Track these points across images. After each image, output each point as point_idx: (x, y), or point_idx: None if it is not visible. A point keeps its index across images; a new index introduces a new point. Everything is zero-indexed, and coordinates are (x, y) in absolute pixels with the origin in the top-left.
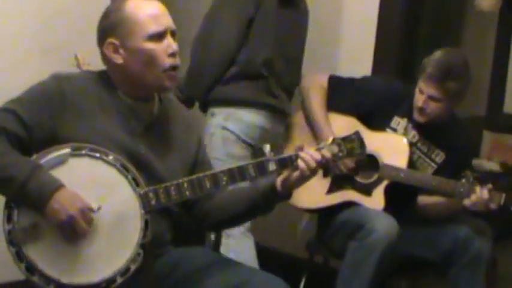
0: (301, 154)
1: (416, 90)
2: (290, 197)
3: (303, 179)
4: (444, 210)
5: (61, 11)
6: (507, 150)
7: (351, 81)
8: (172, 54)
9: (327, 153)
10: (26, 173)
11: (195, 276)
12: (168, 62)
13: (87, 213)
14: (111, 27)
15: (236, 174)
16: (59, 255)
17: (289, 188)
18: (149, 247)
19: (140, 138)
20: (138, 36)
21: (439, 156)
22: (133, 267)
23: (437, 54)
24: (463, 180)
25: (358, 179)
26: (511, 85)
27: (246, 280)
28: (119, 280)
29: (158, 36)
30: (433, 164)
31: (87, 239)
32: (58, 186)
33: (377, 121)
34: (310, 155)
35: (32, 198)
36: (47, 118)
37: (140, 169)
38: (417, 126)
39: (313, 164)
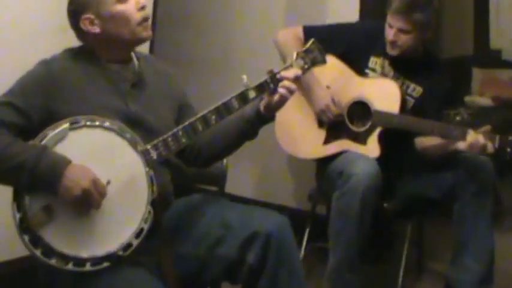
0: (279, 85)
1: (386, 25)
2: (274, 119)
3: (284, 101)
4: (443, 151)
5: None
6: (497, 84)
7: (326, 27)
8: (141, 8)
9: (297, 73)
10: (33, 158)
11: (197, 221)
12: (139, 15)
13: (99, 184)
14: (82, 5)
15: (223, 110)
16: (74, 231)
17: (273, 110)
18: (157, 202)
19: (129, 97)
20: (108, 4)
21: (416, 91)
22: (146, 227)
23: None
24: (457, 118)
25: (353, 127)
26: (495, 21)
27: (247, 218)
28: (135, 243)
29: None
30: (410, 99)
31: (99, 208)
32: (66, 163)
33: (355, 63)
34: (285, 78)
35: (44, 181)
36: (40, 100)
37: (135, 126)
38: (393, 63)
39: (292, 86)
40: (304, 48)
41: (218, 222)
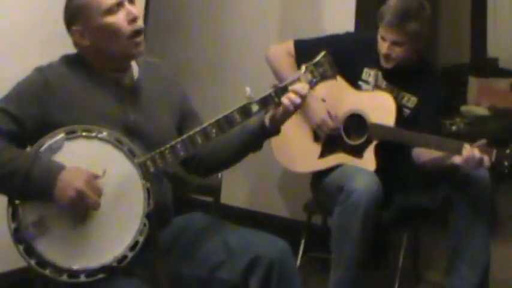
0: (284, 96)
1: (379, 38)
2: (279, 132)
3: (288, 114)
4: (440, 164)
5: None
6: (494, 94)
7: (316, 39)
8: (132, 20)
9: (304, 87)
10: (26, 165)
11: (198, 243)
12: (129, 28)
13: (94, 183)
14: (71, 15)
15: (224, 123)
16: (68, 242)
17: (277, 123)
18: (154, 215)
19: (127, 106)
20: (95, 15)
21: (411, 101)
22: (141, 240)
23: (393, 0)
24: (453, 128)
25: (348, 140)
26: (493, 30)
27: (248, 243)
28: (130, 255)
29: (115, 8)
30: (406, 110)
31: (94, 220)
32: (60, 168)
33: (347, 75)
34: (291, 92)
35: (38, 188)
36: (36, 108)
37: (133, 136)
38: (386, 75)
39: (296, 100)
40: (313, 61)
41: (219, 246)
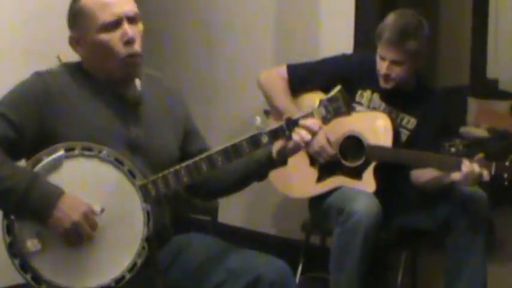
0: (295, 131)
1: (377, 58)
2: (286, 164)
3: (299, 149)
4: (439, 183)
5: (42, 10)
6: (493, 115)
7: (310, 63)
8: (127, 42)
9: (316, 124)
10: (24, 185)
11: (198, 264)
12: (124, 50)
13: (90, 217)
14: (70, 20)
15: (231, 153)
16: (65, 262)
17: (285, 156)
18: (153, 238)
19: (130, 120)
20: (91, 29)
21: (411, 123)
22: (139, 262)
23: (391, 18)
24: (452, 150)
25: (346, 163)
26: (493, 50)
27: (248, 264)
28: (127, 276)
29: (112, 26)
30: (405, 131)
31: (92, 241)
32: (59, 194)
33: None
34: (302, 127)
35: (34, 210)
36: (36, 117)
37: (135, 152)
38: (384, 96)
39: (307, 137)
40: (328, 96)
41: (220, 266)
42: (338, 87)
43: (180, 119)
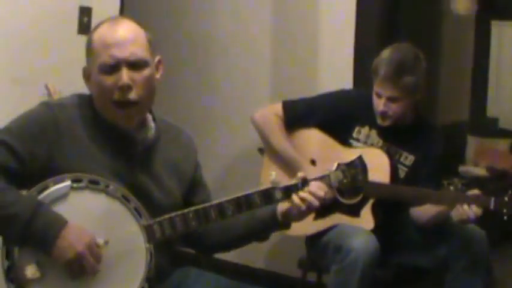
0: (303, 191)
1: (373, 95)
2: (289, 227)
3: (304, 214)
4: (438, 220)
5: (31, 40)
6: (493, 154)
7: (306, 99)
8: (120, 88)
9: (321, 188)
10: (29, 212)
11: None
12: (115, 96)
13: (95, 249)
14: (86, 52)
15: (243, 203)
16: None
17: (291, 219)
18: (153, 278)
19: (136, 165)
20: (94, 67)
21: (409, 159)
22: None
23: (386, 53)
24: (451, 188)
25: (344, 200)
26: (493, 88)
27: None
28: None
29: (109, 68)
30: (403, 168)
31: (92, 276)
32: (63, 224)
33: (338, 134)
34: (307, 192)
35: (37, 238)
36: (42, 149)
37: (139, 198)
38: (382, 132)
39: (314, 203)
40: (348, 161)
41: None
42: (358, 155)
43: (189, 172)
